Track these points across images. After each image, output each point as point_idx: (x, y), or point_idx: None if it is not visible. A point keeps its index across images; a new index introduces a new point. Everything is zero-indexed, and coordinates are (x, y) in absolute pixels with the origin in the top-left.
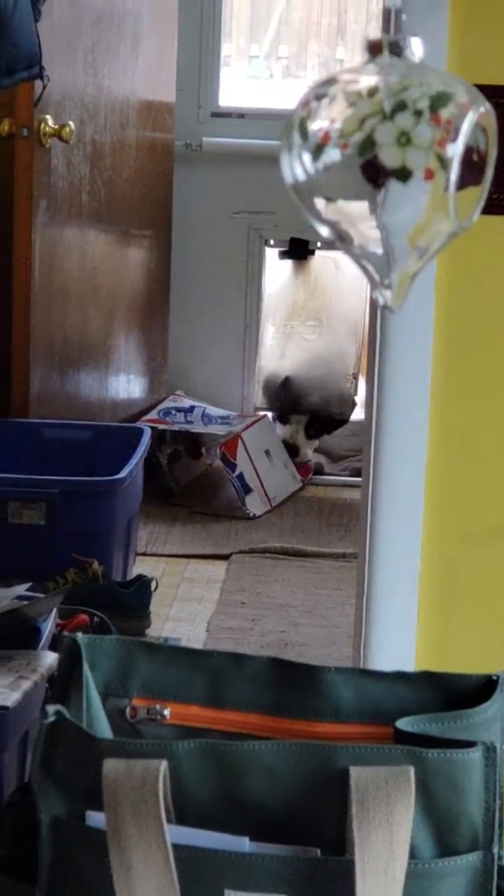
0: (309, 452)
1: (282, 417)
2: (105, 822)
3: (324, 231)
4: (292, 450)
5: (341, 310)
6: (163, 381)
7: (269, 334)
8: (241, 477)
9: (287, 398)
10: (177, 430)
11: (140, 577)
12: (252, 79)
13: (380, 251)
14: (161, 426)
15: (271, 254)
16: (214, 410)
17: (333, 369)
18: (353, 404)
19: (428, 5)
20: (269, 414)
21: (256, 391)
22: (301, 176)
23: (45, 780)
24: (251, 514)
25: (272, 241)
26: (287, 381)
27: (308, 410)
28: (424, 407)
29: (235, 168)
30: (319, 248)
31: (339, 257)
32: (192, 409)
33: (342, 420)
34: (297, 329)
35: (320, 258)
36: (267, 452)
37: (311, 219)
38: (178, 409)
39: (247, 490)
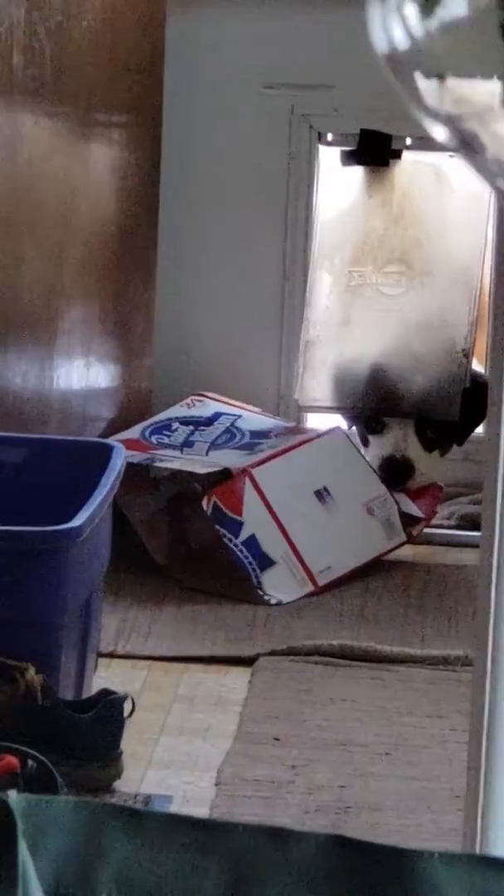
0: (432, 469)
1: (370, 424)
2: None
3: (437, 131)
4: (404, 469)
5: (445, 249)
6: (144, 367)
7: (325, 287)
8: (251, 542)
9: (376, 394)
10: (160, 466)
11: (105, 695)
12: None
13: None
14: (138, 456)
15: (329, 156)
16: (255, 419)
17: (433, 344)
18: (466, 404)
19: None
20: (338, 422)
21: (301, 379)
22: (402, 40)
23: None
24: (271, 601)
25: (330, 136)
26: (378, 371)
27: (411, 411)
28: None
29: (268, 11)
30: (410, 148)
31: (444, 163)
32: (214, 418)
33: (451, 429)
34: (370, 279)
35: (411, 164)
36: (319, 493)
37: (415, 111)
38: (187, 422)
39: (264, 563)
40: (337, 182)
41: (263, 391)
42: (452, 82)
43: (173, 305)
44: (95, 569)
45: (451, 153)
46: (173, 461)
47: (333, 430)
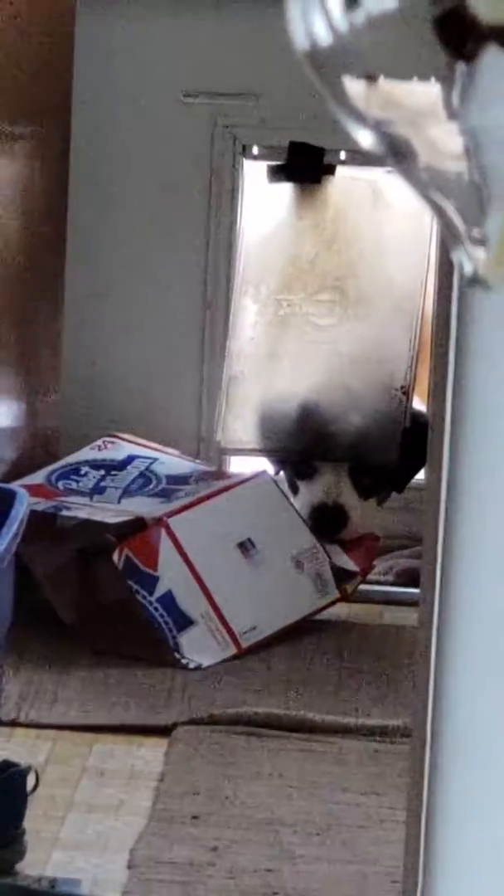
0: (368, 518)
1: (300, 469)
2: None
3: (364, 138)
4: (337, 517)
5: (383, 275)
6: (51, 405)
7: (250, 317)
8: (167, 599)
9: (306, 436)
10: (67, 514)
11: (6, 767)
12: None
13: (465, 179)
14: (43, 503)
15: (255, 171)
16: (173, 463)
17: (369, 380)
18: (405, 447)
19: None
20: (264, 466)
21: (223, 419)
22: (325, 36)
23: None
24: (190, 665)
25: (256, 149)
26: (308, 410)
27: (345, 454)
28: None
29: (189, 11)
30: (344, 163)
31: (381, 179)
32: (127, 461)
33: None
34: (300, 308)
35: (344, 180)
36: (244, 545)
37: (340, 114)
38: (98, 465)
39: (182, 622)
40: (263, 200)
41: (182, 432)
42: (383, 83)
43: (83, 336)
44: None
45: (389, 168)
46: (82, 509)
47: (259, 476)
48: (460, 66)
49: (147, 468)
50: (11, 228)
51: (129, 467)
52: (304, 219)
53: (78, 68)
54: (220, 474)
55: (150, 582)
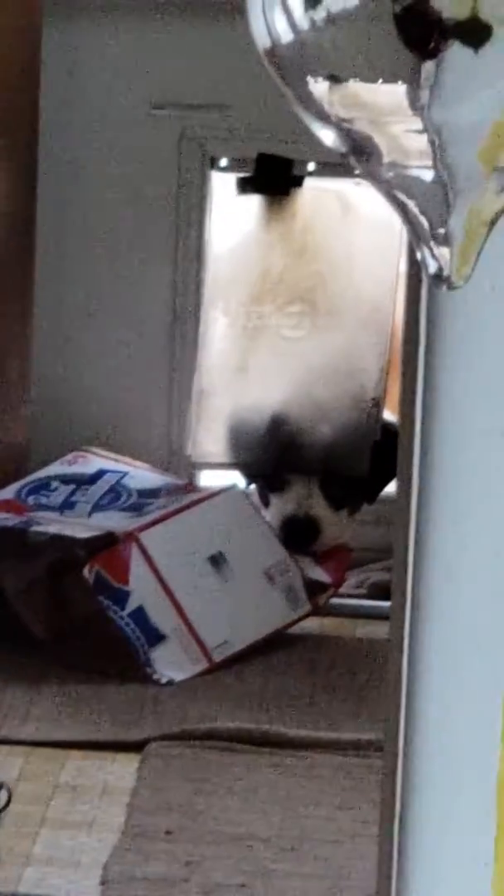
0: (340, 530)
1: (271, 481)
2: None
3: (327, 136)
4: (308, 529)
5: (353, 286)
6: (20, 419)
7: (220, 329)
8: (139, 614)
9: (277, 448)
10: (37, 530)
11: None
12: None
13: (429, 175)
14: (13, 519)
15: (223, 183)
16: (143, 477)
17: (340, 392)
18: (376, 458)
19: None
20: (235, 480)
21: (193, 432)
22: (285, 33)
23: None
24: (162, 679)
25: (225, 161)
26: (279, 422)
27: (316, 466)
28: None
29: (154, 22)
30: (313, 174)
31: (350, 191)
32: (97, 476)
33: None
34: (270, 321)
35: (313, 192)
36: (215, 559)
37: (302, 114)
38: (68, 480)
39: (153, 637)
40: (232, 212)
41: (152, 446)
42: (346, 83)
43: (52, 349)
44: None
45: (356, 176)
46: (52, 524)
47: (230, 489)
48: (424, 64)
49: (117, 482)
50: None
51: (99, 481)
52: (273, 231)
53: (45, 80)
54: (190, 488)
55: (122, 597)
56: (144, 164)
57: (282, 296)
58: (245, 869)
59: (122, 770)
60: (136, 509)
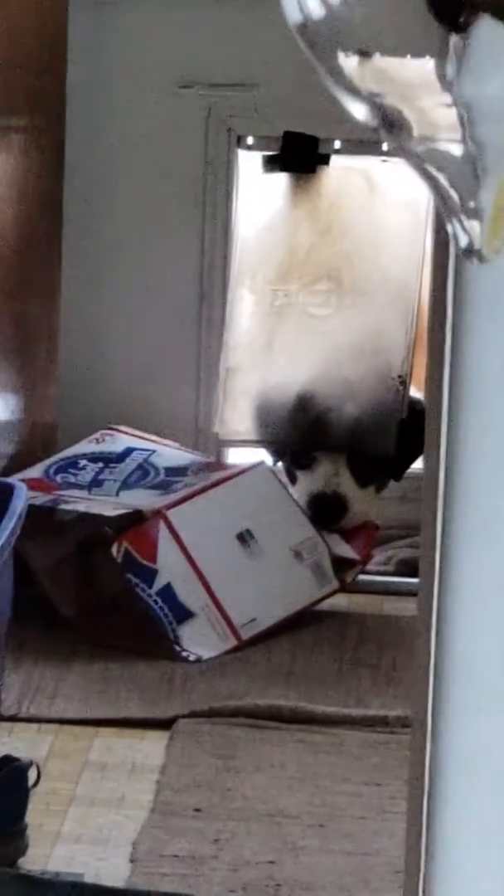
0: (367, 506)
1: (298, 459)
2: None
3: (358, 111)
4: (335, 507)
5: (379, 264)
6: (48, 398)
7: (247, 308)
8: (167, 592)
9: (304, 426)
10: (66, 508)
11: (7, 762)
12: None
13: (459, 150)
14: (41, 497)
15: (250, 162)
16: (171, 455)
17: (366, 369)
18: (403, 435)
19: None
20: (262, 457)
21: (221, 410)
22: (316, 8)
23: None
24: (190, 657)
25: (251, 139)
26: (306, 400)
27: (342, 443)
28: None
29: (180, 2)
30: (339, 152)
31: (376, 168)
32: (125, 454)
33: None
34: (297, 299)
35: (339, 170)
36: (242, 536)
37: (333, 89)
38: (96, 458)
39: (181, 615)
40: (259, 191)
41: (180, 424)
42: (377, 59)
43: (79, 329)
44: None
45: (383, 154)
46: (80, 503)
47: (257, 466)
48: (454, 38)
49: (145, 460)
50: (7, 222)
51: (127, 460)
52: (299, 209)
53: (72, 60)
54: (218, 466)
55: (149, 574)
56: (171, 143)
57: (308, 274)
58: (273, 846)
59: (151, 748)
60: (164, 487)
